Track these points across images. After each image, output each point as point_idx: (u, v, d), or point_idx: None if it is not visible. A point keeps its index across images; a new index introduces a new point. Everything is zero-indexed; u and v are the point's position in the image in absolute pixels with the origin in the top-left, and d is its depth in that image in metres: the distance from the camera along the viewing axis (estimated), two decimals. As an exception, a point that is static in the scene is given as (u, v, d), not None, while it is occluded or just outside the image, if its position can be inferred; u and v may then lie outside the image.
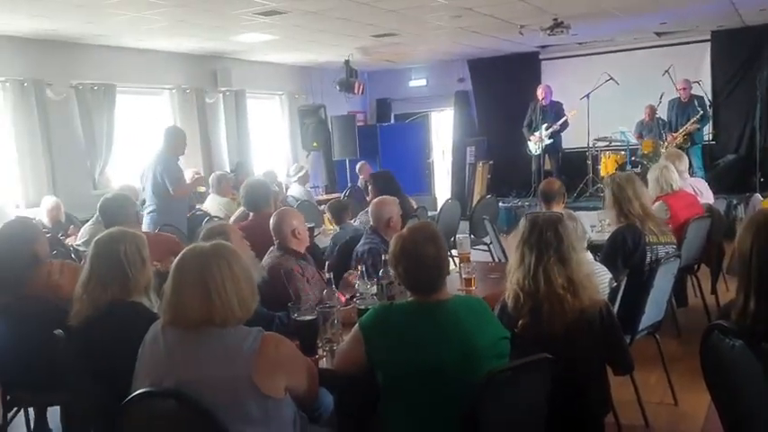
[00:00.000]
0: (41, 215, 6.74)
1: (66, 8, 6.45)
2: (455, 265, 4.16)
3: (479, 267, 4.24)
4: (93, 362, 2.60)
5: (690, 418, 3.74)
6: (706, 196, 5.77)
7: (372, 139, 12.15)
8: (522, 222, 2.78)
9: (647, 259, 3.99)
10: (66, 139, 8.07)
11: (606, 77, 9.96)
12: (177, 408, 2.03)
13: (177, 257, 2.22)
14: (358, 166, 10.32)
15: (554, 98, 10.37)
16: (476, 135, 12.35)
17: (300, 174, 9.16)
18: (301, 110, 11.40)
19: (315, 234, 5.66)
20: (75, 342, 2.66)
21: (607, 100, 10.12)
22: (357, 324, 2.50)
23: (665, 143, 9.52)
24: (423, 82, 13.29)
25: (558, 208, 4.66)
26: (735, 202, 8.45)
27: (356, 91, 10.98)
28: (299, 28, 8.22)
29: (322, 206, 7.74)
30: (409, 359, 2.31)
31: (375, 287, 3.28)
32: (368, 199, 5.82)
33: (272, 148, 11.49)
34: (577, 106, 10.09)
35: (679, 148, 8.38)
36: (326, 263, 4.41)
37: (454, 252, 4.54)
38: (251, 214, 4.95)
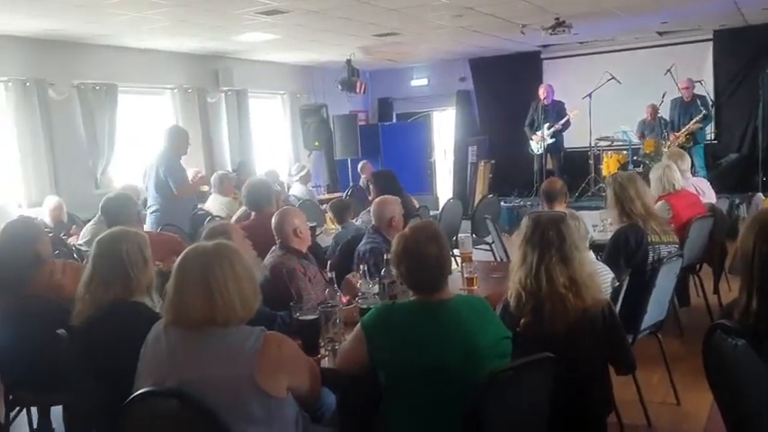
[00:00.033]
0: (44, 215, 6.74)
1: (67, 8, 6.45)
2: (457, 264, 4.15)
3: (481, 267, 4.23)
4: (95, 362, 2.60)
5: (692, 417, 3.74)
6: (708, 196, 5.77)
7: (374, 139, 12.16)
8: (525, 221, 2.78)
9: (650, 259, 3.99)
10: (68, 139, 8.08)
11: (608, 77, 9.95)
12: (179, 407, 2.03)
13: (179, 257, 2.22)
14: (360, 166, 10.33)
15: (556, 97, 10.37)
16: (477, 134, 12.34)
17: (302, 173, 9.16)
18: (303, 109, 11.41)
19: (317, 233, 5.67)
20: (78, 342, 2.66)
21: (609, 99, 10.10)
22: (359, 323, 2.50)
23: (668, 143, 9.51)
24: (424, 81, 13.28)
25: (560, 207, 4.65)
26: (737, 201, 8.44)
27: (358, 90, 10.98)
28: (301, 27, 8.22)
29: (324, 205, 7.75)
30: (411, 358, 2.31)
31: (377, 286, 3.28)
32: (369, 198, 5.82)
33: (274, 148, 11.49)
34: (579, 106, 10.08)
35: (681, 148, 8.36)
36: (328, 262, 4.41)
37: (456, 251, 4.54)
38: (253, 214, 4.95)
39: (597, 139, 10.31)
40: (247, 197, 5.03)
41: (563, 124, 10.15)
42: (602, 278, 3.21)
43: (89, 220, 6.29)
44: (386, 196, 4.49)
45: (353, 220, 5.84)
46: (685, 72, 9.91)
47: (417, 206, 6.51)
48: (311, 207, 7.66)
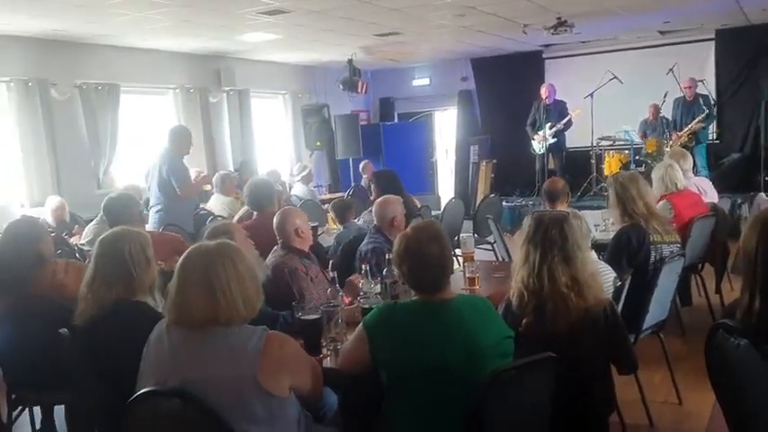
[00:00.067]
0: (46, 215, 6.75)
1: (68, 8, 6.46)
2: (459, 264, 4.15)
3: (483, 266, 4.23)
4: (97, 361, 2.60)
5: (694, 417, 3.74)
6: (710, 195, 5.76)
7: (376, 139, 12.16)
8: (528, 221, 2.78)
9: (652, 258, 3.99)
10: (70, 139, 8.09)
11: (610, 76, 9.95)
12: (182, 407, 2.03)
13: (182, 257, 2.23)
14: (361, 166, 10.33)
15: (558, 97, 10.37)
16: (479, 134, 12.34)
17: (304, 173, 9.16)
18: (305, 109, 11.41)
19: (318, 233, 5.67)
20: (80, 341, 2.67)
21: (611, 99, 10.10)
22: (361, 323, 2.50)
23: (670, 142, 9.51)
24: (426, 81, 13.28)
25: (562, 207, 4.65)
26: (739, 201, 8.42)
27: (359, 90, 10.98)
28: (303, 27, 8.22)
29: (325, 205, 7.75)
30: (413, 358, 2.31)
31: (379, 286, 3.28)
32: (371, 198, 5.82)
33: (276, 148, 11.50)
34: (581, 105, 10.08)
35: (684, 147, 8.36)
36: (330, 262, 4.41)
37: (458, 251, 4.53)
38: (255, 213, 4.95)
39: (599, 139, 10.30)
40: (249, 197, 5.04)
41: (565, 124, 10.15)
42: (604, 278, 3.21)
43: (91, 220, 6.30)
44: (388, 196, 4.49)
45: (355, 220, 5.85)
46: (687, 71, 9.90)
47: (419, 206, 6.51)
48: (313, 207, 7.66)
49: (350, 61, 10.61)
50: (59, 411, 3.77)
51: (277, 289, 3.30)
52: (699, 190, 5.57)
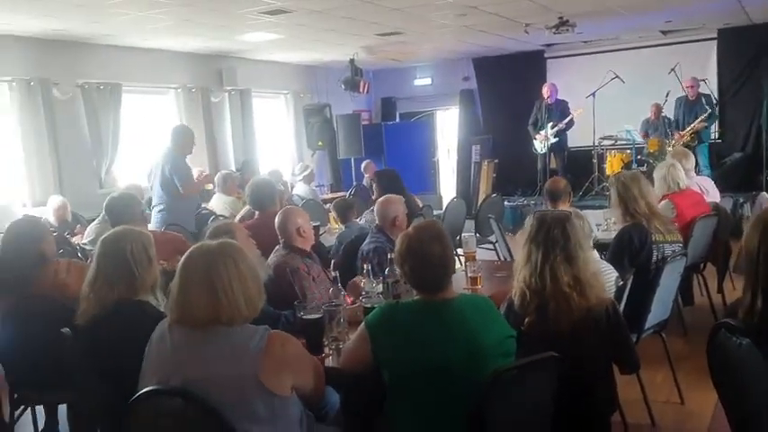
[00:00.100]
0: (48, 214, 6.76)
1: (68, 8, 6.46)
2: (461, 263, 4.15)
3: (485, 266, 4.23)
4: (99, 361, 2.60)
5: (696, 416, 3.74)
6: (712, 195, 5.76)
7: (377, 138, 12.16)
8: (530, 220, 2.78)
9: (654, 258, 3.99)
10: (72, 139, 8.10)
11: (612, 76, 9.94)
12: (184, 406, 2.03)
13: (184, 256, 2.23)
14: (363, 165, 10.34)
15: (559, 97, 10.36)
16: (481, 134, 12.34)
17: (306, 173, 9.17)
18: (306, 109, 11.41)
19: (320, 233, 5.67)
20: (82, 341, 2.67)
21: (613, 98, 10.09)
22: (363, 323, 2.50)
23: (672, 141, 9.50)
24: (428, 81, 13.27)
25: (564, 207, 4.65)
26: (741, 200, 8.41)
27: (361, 90, 10.98)
28: (305, 27, 8.22)
29: (327, 205, 7.75)
30: (415, 358, 2.31)
31: (381, 286, 3.28)
32: (373, 198, 5.83)
33: (278, 147, 11.50)
34: (583, 105, 10.07)
35: (686, 147, 8.37)
36: (332, 261, 4.41)
37: (459, 251, 4.53)
38: (256, 213, 4.95)
39: (601, 139, 10.30)
40: (251, 196, 5.04)
41: (567, 123, 10.15)
42: (607, 277, 3.21)
43: (93, 220, 6.31)
44: (389, 195, 4.49)
45: (357, 220, 5.85)
46: (689, 71, 9.89)
47: (421, 205, 6.51)
48: (314, 206, 7.67)
49: (352, 61, 10.61)
50: (63, 411, 3.77)
51: (279, 288, 3.31)
52: (701, 189, 5.56)
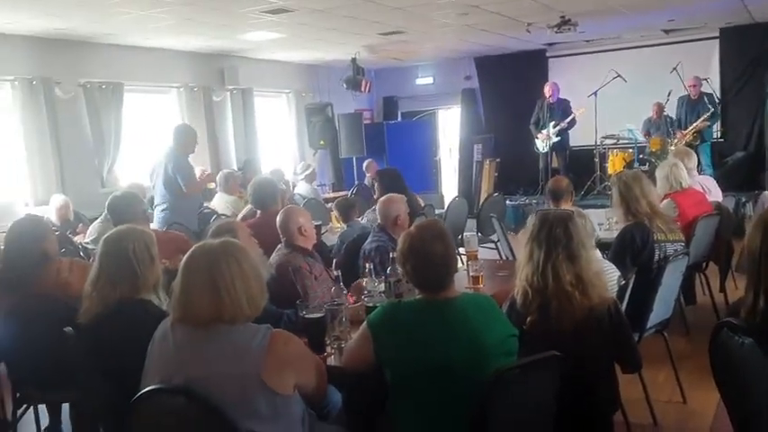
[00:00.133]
0: (50, 213, 6.76)
1: (70, 7, 6.47)
2: (463, 263, 4.15)
3: (487, 265, 4.23)
4: (102, 360, 2.61)
5: (698, 415, 3.73)
6: (714, 194, 5.75)
7: (379, 137, 12.15)
8: (532, 219, 2.78)
9: (656, 257, 3.99)
10: (74, 138, 8.11)
11: (614, 75, 9.93)
12: (186, 405, 2.03)
13: (186, 255, 2.23)
14: (365, 164, 10.34)
15: (561, 96, 10.34)
16: (483, 133, 12.34)
17: (307, 172, 9.18)
18: (308, 108, 11.41)
19: (322, 232, 5.68)
20: (85, 340, 2.67)
21: (615, 97, 10.08)
22: (365, 322, 2.51)
23: (675, 140, 9.49)
24: (429, 80, 13.26)
25: (566, 206, 4.66)
26: (743, 199, 8.43)
27: (363, 89, 10.98)
28: (306, 26, 8.22)
29: (329, 204, 7.75)
30: (417, 357, 2.31)
31: (383, 285, 3.28)
32: (375, 197, 5.83)
33: (280, 146, 11.50)
34: (585, 104, 10.06)
35: (688, 146, 8.36)
36: (334, 261, 4.42)
37: (461, 250, 4.53)
38: (258, 212, 4.96)
39: (603, 138, 10.29)
40: (253, 196, 5.04)
41: (568, 123, 10.14)
42: (609, 276, 3.20)
43: (95, 219, 6.32)
44: (391, 195, 4.49)
45: (359, 219, 5.85)
46: (691, 70, 9.88)
47: (422, 205, 6.51)
48: (316, 205, 7.67)
49: (353, 60, 10.61)
50: (66, 410, 3.78)
51: (281, 287, 3.30)
52: (703, 188, 5.56)
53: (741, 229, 5.51)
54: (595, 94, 9.93)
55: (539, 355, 2.28)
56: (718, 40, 10.79)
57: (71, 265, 3.57)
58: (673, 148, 8.70)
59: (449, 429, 2.30)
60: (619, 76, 9.90)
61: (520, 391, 2.24)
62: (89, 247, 5.59)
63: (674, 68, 9.74)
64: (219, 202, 7.42)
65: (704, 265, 5.18)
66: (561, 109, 10.22)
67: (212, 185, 7.57)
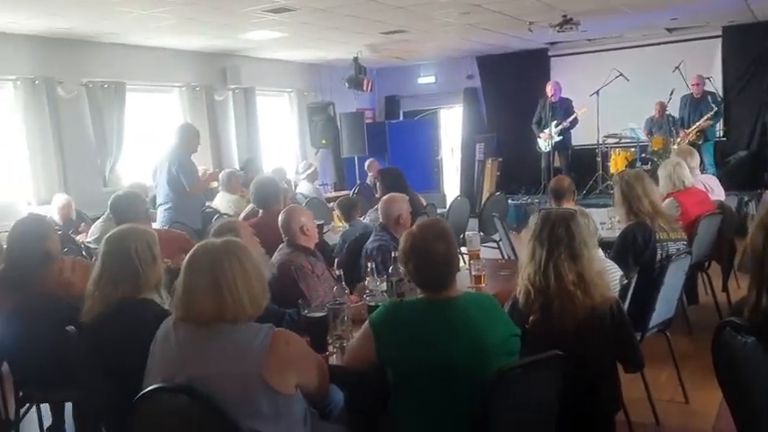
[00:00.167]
0: (53, 212, 6.77)
1: (71, 6, 6.48)
2: (465, 262, 4.15)
3: (489, 264, 4.22)
4: (104, 359, 2.61)
5: (701, 415, 3.73)
6: (717, 193, 5.75)
7: (381, 137, 12.16)
8: (534, 218, 2.77)
9: (658, 256, 3.98)
10: (76, 137, 8.12)
11: (616, 74, 9.91)
12: (188, 404, 2.04)
13: (188, 254, 2.23)
14: (367, 164, 10.34)
15: (563, 95, 10.33)
16: (485, 132, 12.33)
17: (309, 171, 9.18)
18: (310, 107, 11.42)
19: (324, 231, 5.68)
20: (87, 339, 2.68)
21: (617, 96, 10.07)
22: (367, 321, 2.50)
23: (677, 139, 9.48)
24: (431, 79, 13.26)
25: (568, 205, 4.65)
26: (746, 198, 8.43)
27: (365, 88, 10.98)
28: (309, 25, 8.22)
29: (331, 203, 7.76)
30: (419, 356, 2.31)
31: (385, 284, 3.28)
32: (377, 196, 5.82)
33: (282, 146, 11.51)
34: (587, 103, 10.04)
35: (691, 145, 8.35)
36: (336, 260, 4.41)
37: (463, 249, 4.53)
38: (260, 211, 4.96)
39: (605, 137, 10.28)
40: (255, 195, 5.05)
41: (571, 122, 10.13)
42: (611, 276, 3.20)
43: (98, 218, 6.33)
44: (393, 194, 4.49)
45: (361, 218, 5.84)
46: (694, 69, 9.86)
47: (424, 204, 6.50)
48: (318, 205, 7.68)
49: (355, 59, 10.61)
50: (69, 409, 3.78)
51: (283, 287, 3.30)
52: (706, 187, 5.55)
53: (744, 228, 5.52)
54: (597, 93, 9.91)
55: (541, 354, 2.27)
56: (720, 39, 10.77)
57: (73, 265, 3.57)
58: (675, 147, 8.69)
59: (450, 429, 2.30)
60: (621, 75, 9.89)
61: (522, 391, 2.24)
62: (91, 246, 5.60)
63: (677, 67, 9.72)
64: (221, 202, 7.42)
65: (707, 264, 5.17)
66: (563, 108, 10.21)
67: (214, 185, 7.58)
